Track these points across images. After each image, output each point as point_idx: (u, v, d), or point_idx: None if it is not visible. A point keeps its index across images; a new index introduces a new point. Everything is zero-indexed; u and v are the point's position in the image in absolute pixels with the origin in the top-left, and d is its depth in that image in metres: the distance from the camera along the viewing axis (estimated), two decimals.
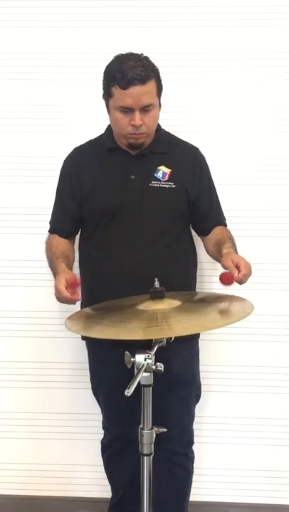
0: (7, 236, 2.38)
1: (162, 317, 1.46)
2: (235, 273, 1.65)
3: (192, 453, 2.04)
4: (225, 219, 2.03)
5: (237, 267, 1.67)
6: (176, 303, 1.53)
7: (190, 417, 2.01)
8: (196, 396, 2.02)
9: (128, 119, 1.77)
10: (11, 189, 2.38)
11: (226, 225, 2.02)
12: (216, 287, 1.80)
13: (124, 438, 1.95)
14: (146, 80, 1.72)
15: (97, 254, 1.90)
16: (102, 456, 2.10)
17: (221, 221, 2.01)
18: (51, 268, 1.87)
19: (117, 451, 2.03)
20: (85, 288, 1.96)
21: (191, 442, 2.03)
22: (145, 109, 1.76)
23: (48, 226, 2.02)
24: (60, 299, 1.70)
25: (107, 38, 2.30)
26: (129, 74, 1.70)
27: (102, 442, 2.10)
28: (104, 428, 2.08)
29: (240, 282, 1.69)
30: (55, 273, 1.80)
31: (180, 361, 1.87)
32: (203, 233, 2.00)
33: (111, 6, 2.31)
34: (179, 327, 1.43)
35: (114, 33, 2.31)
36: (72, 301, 1.69)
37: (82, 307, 1.98)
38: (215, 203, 2.01)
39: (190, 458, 2.03)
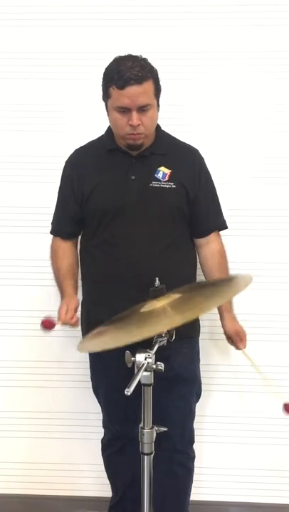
0: (7, 236, 2.39)
1: (164, 312, 1.45)
2: (240, 345, 2.00)
3: (193, 452, 2.05)
4: (225, 222, 2.04)
5: (238, 334, 1.99)
6: (176, 296, 1.52)
7: (191, 415, 2.01)
8: (197, 394, 2.03)
9: (126, 119, 1.78)
10: (11, 189, 2.38)
11: (226, 228, 2.04)
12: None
13: (125, 436, 1.96)
14: (142, 80, 1.73)
15: (98, 254, 1.90)
16: (102, 455, 2.11)
17: (220, 225, 2.02)
18: (57, 285, 1.93)
19: (117, 450, 2.04)
20: (86, 287, 1.98)
21: (192, 441, 2.04)
22: (142, 109, 1.77)
23: (50, 226, 2.03)
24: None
25: (107, 38, 2.31)
26: (126, 74, 1.71)
27: (102, 441, 2.10)
28: (104, 427, 2.09)
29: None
30: (61, 293, 1.90)
31: (181, 359, 1.88)
32: (202, 235, 1.99)
33: (111, 6, 2.32)
34: (181, 316, 1.41)
35: (114, 32, 2.31)
36: (71, 325, 1.77)
37: (82, 306, 1.99)
38: (214, 204, 2.02)
39: (190, 457, 2.04)
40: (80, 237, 2.02)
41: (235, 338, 1.99)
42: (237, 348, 2.01)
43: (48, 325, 1.68)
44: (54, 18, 2.34)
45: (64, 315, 1.74)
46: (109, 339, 1.49)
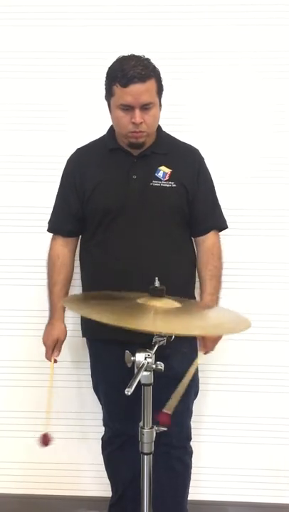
0: (7, 235, 2.39)
1: (154, 312, 1.43)
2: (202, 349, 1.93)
3: (190, 447, 2.05)
4: (225, 221, 2.04)
5: (207, 340, 1.91)
6: (175, 304, 1.51)
7: (188, 412, 2.02)
8: (195, 392, 2.03)
9: (128, 117, 1.79)
10: (11, 189, 2.38)
11: (225, 227, 2.04)
12: None
13: (125, 434, 1.97)
14: (146, 78, 1.75)
15: (98, 252, 1.91)
16: (102, 453, 2.11)
17: (219, 224, 2.02)
18: (49, 298, 1.99)
19: (118, 447, 2.04)
20: (86, 286, 1.98)
21: (189, 437, 2.05)
22: (145, 107, 1.78)
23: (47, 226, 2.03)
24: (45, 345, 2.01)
25: (108, 38, 2.31)
26: (129, 72, 1.74)
27: (102, 439, 2.11)
28: (104, 425, 2.09)
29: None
30: (50, 311, 2.00)
31: (180, 359, 1.87)
32: (199, 234, 1.99)
33: (111, 6, 2.32)
34: (164, 325, 1.42)
35: (114, 32, 2.32)
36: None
37: None
38: (213, 204, 2.02)
39: (188, 452, 2.04)
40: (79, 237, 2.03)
41: (200, 341, 1.98)
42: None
43: (46, 441, 1.95)
44: (54, 18, 2.34)
45: (50, 355, 1.99)
46: (93, 311, 1.47)
